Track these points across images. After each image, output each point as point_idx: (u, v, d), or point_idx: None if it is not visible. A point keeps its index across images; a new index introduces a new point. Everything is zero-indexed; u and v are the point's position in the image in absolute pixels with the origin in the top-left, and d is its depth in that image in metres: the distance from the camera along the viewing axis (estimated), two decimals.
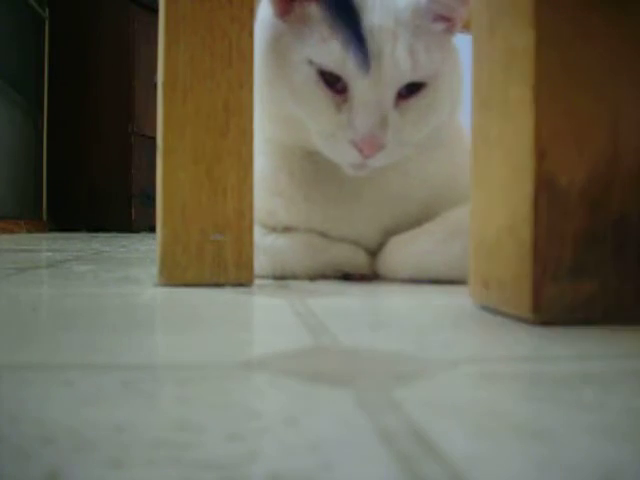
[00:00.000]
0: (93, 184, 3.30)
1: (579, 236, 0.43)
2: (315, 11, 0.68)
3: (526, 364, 0.35)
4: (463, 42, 0.70)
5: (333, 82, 0.67)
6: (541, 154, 0.43)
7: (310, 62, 0.67)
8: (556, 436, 0.22)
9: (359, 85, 0.66)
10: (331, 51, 0.66)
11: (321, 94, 0.68)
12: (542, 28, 0.43)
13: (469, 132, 0.52)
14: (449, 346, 0.38)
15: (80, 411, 0.25)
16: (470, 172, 0.52)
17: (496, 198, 0.48)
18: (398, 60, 0.66)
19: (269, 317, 0.51)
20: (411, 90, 0.69)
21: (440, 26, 0.70)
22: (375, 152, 0.67)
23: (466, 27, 0.66)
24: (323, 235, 0.76)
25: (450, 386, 0.29)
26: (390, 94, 0.67)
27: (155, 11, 1.04)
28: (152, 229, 0.94)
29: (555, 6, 0.43)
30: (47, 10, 3.29)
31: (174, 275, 0.64)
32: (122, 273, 0.81)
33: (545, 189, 0.43)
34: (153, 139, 0.83)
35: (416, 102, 0.69)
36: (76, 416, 0.24)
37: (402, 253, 0.73)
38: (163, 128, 0.65)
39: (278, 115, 0.72)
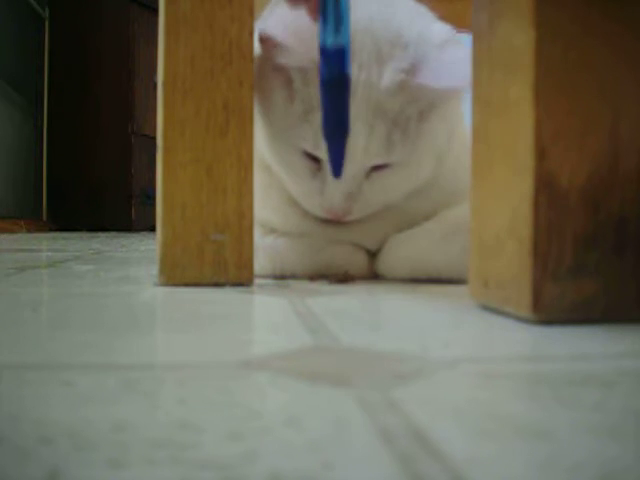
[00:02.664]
0: (93, 184, 3.30)
1: (579, 236, 0.43)
2: (297, 79, 0.67)
3: (526, 364, 0.35)
4: (463, 42, 0.70)
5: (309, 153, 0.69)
6: (541, 154, 0.43)
7: (291, 133, 0.68)
8: (556, 436, 0.22)
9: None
10: (306, 136, 0.67)
11: (299, 162, 0.69)
12: (542, 27, 0.43)
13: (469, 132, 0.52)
14: (449, 346, 0.38)
15: (80, 411, 0.25)
16: (470, 172, 0.52)
17: (496, 198, 0.48)
18: (371, 152, 0.67)
19: (269, 317, 0.51)
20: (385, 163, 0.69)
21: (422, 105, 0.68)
22: (342, 219, 0.71)
23: (466, 27, 0.66)
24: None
25: (450, 386, 0.29)
26: (360, 173, 0.69)
27: (155, 11, 1.04)
28: (152, 229, 0.94)
29: (555, 5, 0.43)
30: (47, 10, 3.29)
31: (174, 275, 0.64)
32: (122, 273, 0.81)
33: (545, 189, 0.43)
34: (153, 139, 0.83)
35: (389, 174, 0.69)
36: (76, 416, 0.24)
37: (401, 252, 0.73)
38: (163, 128, 0.65)
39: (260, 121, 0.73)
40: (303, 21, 0.65)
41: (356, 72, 0.66)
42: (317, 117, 0.66)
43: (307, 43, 0.65)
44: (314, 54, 0.64)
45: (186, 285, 0.64)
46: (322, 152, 0.67)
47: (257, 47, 0.69)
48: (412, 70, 0.66)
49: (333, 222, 0.74)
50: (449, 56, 0.66)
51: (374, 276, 0.75)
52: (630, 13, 0.44)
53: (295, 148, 0.69)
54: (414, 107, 0.67)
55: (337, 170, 0.66)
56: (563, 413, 0.25)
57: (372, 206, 0.71)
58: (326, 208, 0.70)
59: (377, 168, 0.69)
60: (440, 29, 0.70)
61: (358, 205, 0.70)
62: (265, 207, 0.75)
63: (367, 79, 0.66)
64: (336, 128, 0.64)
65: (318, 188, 0.70)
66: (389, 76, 0.66)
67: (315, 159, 0.69)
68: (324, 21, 0.63)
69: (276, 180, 0.75)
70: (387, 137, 0.67)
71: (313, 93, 0.66)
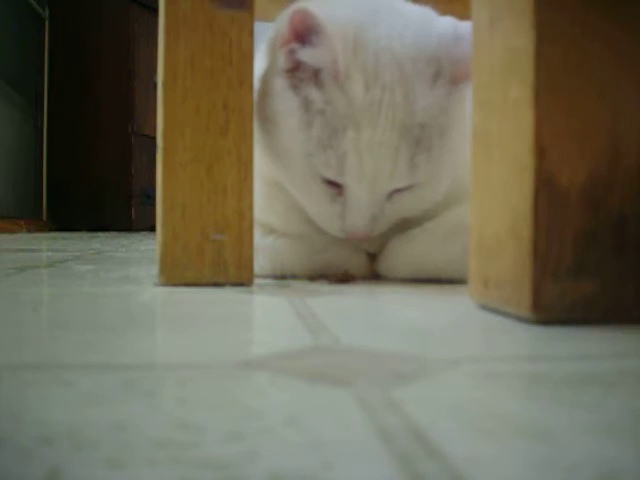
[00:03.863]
0: (93, 184, 3.30)
1: (579, 235, 0.43)
2: (318, 100, 0.66)
3: (526, 364, 0.35)
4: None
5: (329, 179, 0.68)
6: (541, 154, 0.43)
7: (310, 159, 0.67)
8: (556, 436, 0.22)
9: (354, 192, 0.67)
10: (328, 162, 0.66)
11: (317, 186, 0.68)
12: (542, 28, 0.43)
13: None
14: (449, 346, 0.38)
15: (80, 411, 0.25)
16: (470, 172, 0.52)
17: (496, 198, 0.48)
18: (396, 176, 0.66)
19: (269, 317, 0.51)
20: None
21: (444, 100, 0.66)
22: (362, 241, 0.70)
23: None
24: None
25: (450, 386, 0.29)
26: (383, 197, 0.68)
27: (155, 11, 1.04)
28: (152, 229, 0.94)
29: (555, 6, 0.43)
30: (47, 10, 3.29)
31: (174, 275, 0.64)
32: (122, 273, 0.81)
33: (545, 189, 0.43)
34: (153, 139, 0.83)
35: (410, 194, 0.69)
36: (76, 416, 0.24)
37: (402, 252, 0.73)
38: (163, 128, 0.65)
39: (275, 178, 0.73)
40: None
41: (379, 94, 0.65)
42: (341, 141, 0.65)
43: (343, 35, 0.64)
44: (341, 54, 0.63)
45: (186, 285, 0.64)
46: (346, 178, 0.66)
47: (266, 55, 0.69)
48: (439, 74, 0.66)
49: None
50: (466, 44, 0.65)
51: (374, 276, 0.75)
52: (629, 14, 0.44)
53: (314, 176, 0.67)
54: (437, 122, 0.66)
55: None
56: (563, 413, 0.25)
57: (390, 224, 0.71)
58: (349, 232, 0.69)
59: (399, 190, 0.68)
60: (446, 23, 0.69)
61: (378, 227, 0.70)
62: (268, 212, 0.75)
63: (391, 101, 0.65)
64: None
65: (338, 212, 0.69)
66: (423, 94, 0.65)
67: (335, 184, 0.68)
68: None
69: (281, 191, 0.75)
70: (411, 159, 0.66)
71: (338, 112, 0.65)
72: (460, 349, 0.38)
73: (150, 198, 3.22)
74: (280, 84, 0.68)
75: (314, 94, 0.66)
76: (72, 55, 3.32)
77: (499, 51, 0.47)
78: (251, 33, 0.66)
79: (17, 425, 0.23)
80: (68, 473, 0.19)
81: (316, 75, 0.66)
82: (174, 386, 0.29)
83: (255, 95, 0.67)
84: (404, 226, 0.74)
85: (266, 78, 0.70)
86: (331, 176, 0.67)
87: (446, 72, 0.66)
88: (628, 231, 0.44)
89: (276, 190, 0.75)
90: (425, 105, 0.65)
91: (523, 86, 0.44)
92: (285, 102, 0.68)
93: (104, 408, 0.25)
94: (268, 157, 0.71)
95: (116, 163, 3.32)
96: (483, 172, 0.50)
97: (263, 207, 0.74)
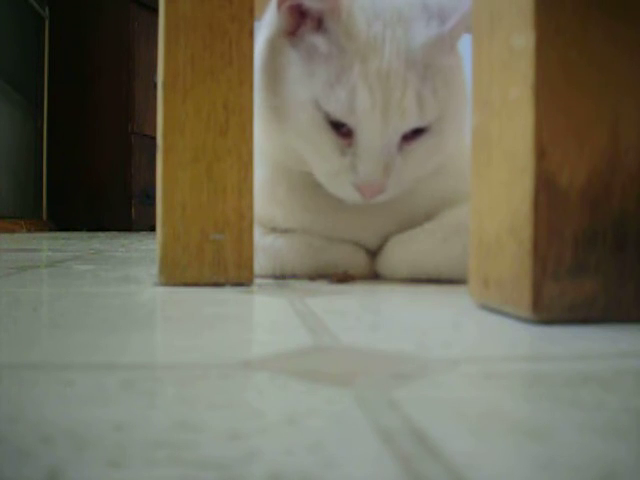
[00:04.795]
0: (93, 184, 3.30)
1: (579, 235, 0.43)
2: (323, 44, 0.66)
3: (526, 363, 0.35)
4: (463, 42, 0.70)
5: (338, 125, 0.67)
6: (541, 154, 0.43)
7: (317, 105, 0.66)
8: (556, 436, 0.22)
9: (365, 133, 0.66)
10: (338, 99, 0.65)
11: (326, 137, 0.67)
12: (542, 27, 0.43)
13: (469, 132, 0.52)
14: (449, 346, 0.38)
15: (80, 411, 0.25)
16: (470, 172, 0.52)
17: (496, 197, 0.48)
18: (406, 109, 0.65)
19: (269, 316, 0.51)
20: (416, 131, 0.68)
21: (452, 59, 0.68)
22: (375, 195, 0.68)
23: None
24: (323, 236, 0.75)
25: (450, 386, 0.29)
26: (395, 140, 0.67)
27: (155, 11, 1.04)
28: (152, 229, 0.94)
29: (555, 6, 0.43)
30: (47, 10, 3.29)
31: (174, 275, 0.64)
32: (122, 272, 0.81)
33: (545, 189, 0.43)
34: (153, 139, 0.84)
35: (420, 144, 0.68)
36: (76, 416, 0.24)
37: (402, 252, 0.73)
38: (163, 127, 0.65)
39: (283, 146, 0.72)
40: None
41: (381, 29, 0.66)
42: (350, 75, 0.65)
43: None
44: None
45: (186, 285, 0.64)
46: (357, 115, 0.65)
47: (272, 15, 0.70)
48: (432, 18, 0.67)
49: (338, 216, 0.73)
50: None
51: (374, 276, 0.75)
52: (630, 14, 0.44)
53: (322, 126, 0.67)
54: (439, 66, 0.67)
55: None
56: (563, 413, 0.25)
57: (404, 183, 0.70)
58: (361, 184, 0.67)
59: (408, 139, 0.68)
60: None
61: (391, 181, 0.68)
62: (270, 202, 0.75)
63: (393, 36, 0.66)
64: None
65: (349, 164, 0.67)
66: (420, 32, 0.66)
67: (344, 135, 0.67)
68: None
69: (282, 175, 0.75)
70: (418, 93, 0.65)
71: (343, 50, 0.65)
72: (460, 349, 0.38)
73: (150, 198, 3.22)
74: (281, 43, 0.69)
75: (319, 40, 0.67)
76: (72, 55, 3.32)
77: (499, 51, 0.47)
78: (251, 33, 0.66)
79: (17, 425, 0.23)
80: (68, 473, 0.19)
81: (319, 23, 0.67)
82: (174, 386, 0.29)
83: (257, 62, 0.68)
84: (404, 224, 0.74)
85: (266, 44, 0.71)
86: (341, 115, 0.65)
87: (440, 19, 0.68)
88: (628, 231, 0.44)
89: (279, 174, 0.75)
90: (424, 43, 0.66)
91: (523, 86, 0.44)
92: (288, 57, 0.68)
93: (104, 408, 0.25)
94: (273, 121, 0.70)
95: (116, 163, 3.32)
96: (483, 172, 0.50)
97: (264, 196, 0.74)
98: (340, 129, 0.67)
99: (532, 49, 0.43)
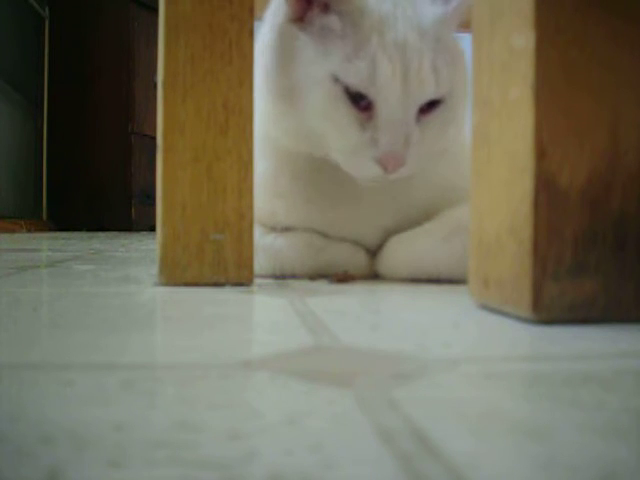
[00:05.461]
0: (93, 184, 3.30)
1: (579, 235, 0.43)
2: (336, 24, 0.67)
3: (526, 363, 0.35)
4: (463, 42, 0.70)
5: (357, 99, 0.67)
6: (541, 154, 0.43)
7: (335, 79, 0.66)
8: (556, 435, 0.22)
9: (385, 104, 0.66)
10: (358, 70, 0.65)
11: (345, 112, 0.67)
12: (542, 28, 0.43)
13: (469, 132, 0.52)
14: (449, 346, 0.38)
15: (80, 411, 0.25)
16: (470, 172, 0.52)
17: (496, 197, 0.48)
18: (424, 78, 0.66)
19: (269, 316, 0.51)
20: (431, 105, 0.68)
21: (450, 36, 0.70)
22: (397, 168, 0.67)
23: (466, 27, 0.66)
24: (323, 235, 0.76)
25: (450, 385, 0.29)
26: (413, 111, 0.67)
27: (155, 11, 1.04)
28: (152, 229, 0.94)
29: (555, 5, 0.43)
30: (47, 10, 3.29)
31: (174, 275, 0.64)
32: (122, 272, 0.81)
33: (545, 189, 0.43)
34: (153, 139, 0.84)
35: (435, 117, 0.69)
36: (76, 416, 0.24)
37: (402, 252, 0.73)
38: (163, 127, 0.65)
39: (296, 130, 0.71)
40: None
41: (392, 7, 0.67)
42: (368, 48, 0.65)
43: None
44: None
45: (186, 285, 0.64)
46: (378, 85, 0.65)
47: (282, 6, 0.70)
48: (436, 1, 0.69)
49: (339, 209, 0.74)
50: None
51: (374, 276, 0.75)
52: (630, 14, 0.44)
53: (341, 100, 0.67)
54: (447, 44, 0.68)
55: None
56: (563, 413, 0.25)
57: (422, 157, 0.69)
58: (383, 156, 0.66)
59: (424, 112, 0.68)
60: None
61: (411, 154, 0.67)
62: (272, 195, 0.75)
63: (404, 13, 0.67)
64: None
65: (369, 138, 0.67)
66: (428, 9, 0.68)
67: (363, 109, 0.67)
68: None
69: (285, 164, 0.75)
70: (433, 62, 0.66)
71: (359, 26, 0.66)
72: (460, 349, 0.38)
73: (150, 198, 3.22)
74: (289, 29, 0.70)
75: (331, 20, 0.67)
76: (72, 55, 3.32)
77: (499, 51, 0.47)
78: (251, 33, 0.66)
79: (17, 425, 0.23)
80: (68, 473, 0.19)
81: (326, 7, 0.68)
82: (174, 386, 0.29)
83: (263, 47, 0.69)
84: (403, 221, 0.74)
85: (273, 30, 0.71)
86: (362, 86, 0.66)
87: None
88: (628, 231, 0.44)
89: (282, 164, 0.75)
90: (433, 19, 0.68)
91: (523, 86, 0.44)
92: (298, 41, 0.69)
93: (104, 408, 0.25)
94: (286, 103, 0.70)
95: (116, 163, 3.32)
96: (483, 172, 0.50)
97: (266, 189, 0.74)
98: (359, 103, 0.67)
99: (532, 49, 0.43)
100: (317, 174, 0.74)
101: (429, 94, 0.67)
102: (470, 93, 0.72)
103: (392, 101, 0.66)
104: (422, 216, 0.74)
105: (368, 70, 0.65)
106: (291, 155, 0.75)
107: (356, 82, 0.66)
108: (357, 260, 0.75)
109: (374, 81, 0.65)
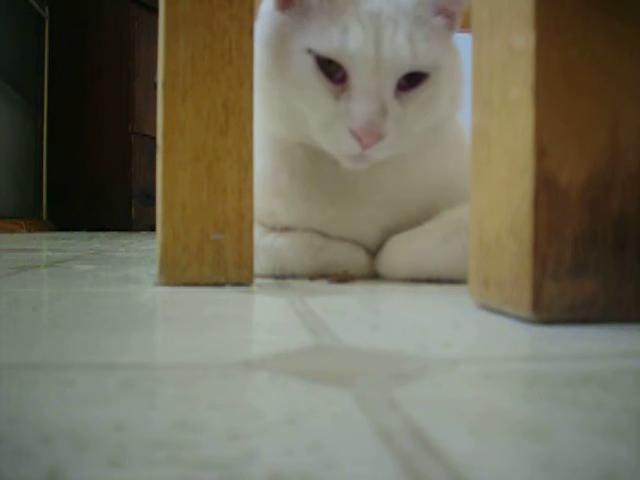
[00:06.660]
0: (93, 184, 3.30)
1: (579, 235, 0.43)
2: (315, 2, 0.68)
3: (526, 363, 0.35)
4: (463, 42, 0.70)
5: (332, 72, 0.67)
6: (541, 154, 0.43)
7: (309, 51, 0.67)
8: (556, 435, 0.22)
9: (358, 72, 0.66)
10: (330, 38, 0.66)
11: (319, 83, 0.67)
12: (542, 27, 0.43)
13: (469, 132, 0.52)
14: (449, 345, 0.38)
15: (80, 411, 0.25)
16: (470, 172, 0.52)
17: (496, 197, 0.48)
18: (397, 47, 0.66)
19: (269, 316, 0.51)
20: (412, 82, 0.68)
21: (441, 21, 0.70)
22: (374, 141, 0.66)
23: (466, 27, 0.66)
24: (323, 234, 0.76)
25: (450, 385, 0.29)
26: (390, 82, 0.67)
27: (155, 11, 1.04)
28: (152, 229, 0.94)
29: (555, 6, 0.43)
30: (47, 10, 3.29)
31: (174, 275, 0.64)
32: (122, 272, 0.81)
33: (545, 188, 0.43)
34: (153, 139, 0.84)
35: (417, 94, 0.69)
36: (76, 416, 0.24)
37: (402, 252, 0.73)
38: (163, 127, 0.65)
39: (278, 108, 0.72)
40: None
41: None
42: (343, 17, 0.66)
43: None
44: None
45: (186, 285, 0.64)
46: (348, 56, 0.66)
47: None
48: None
49: (338, 206, 0.74)
50: None
51: (374, 276, 0.75)
52: (630, 14, 0.44)
53: (315, 73, 0.67)
54: (430, 19, 0.69)
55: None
56: (563, 413, 0.25)
57: (404, 134, 0.69)
58: (357, 127, 0.65)
59: (406, 89, 0.68)
60: None
61: (390, 127, 0.67)
62: (271, 193, 0.75)
63: None
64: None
65: (344, 110, 0.67)
66: None
67: (338, 81, 0.67)
68: None
69: (288, 162, 0.75)
70: (411, 35, 0.67)
71: (337, 1, 0.67)
72: (460, 349, 0.38)
73: (150, 198, 3.22)
74: (276, 15, 0.71)
75: (313, 1, 0.68)
76: (72, 55, 3.32)
77: (499, 51, 0.47)
78: (251, 33, 0.66)
79: (17, 425, 0.23)
80: (68, 473, 0.19)
81: None
82: (174, 386, 0.29)
83: (258, 33, 0.70)
84: (404, 226, 0.74)
85: (263, 17, 0.73)
86: (333, 53, 0.66)
87: None
88: (628, 231, 0.44)
89: (280, 160, 0.75)
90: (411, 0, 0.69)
91: (523, 86, 0.44)
92: (282, 20, 0.70)
93: (104, 408, 0.25)
94: (271, 78, 0.70)
95: (116, 163, 3.32)
96: (483, 172, 0.50)
97: (266, 187, 0.75)
98: (333, 76, 0.67)
99: (532, 49, 0.43)
100: (315, 172, 0.74)
101: (405, 65, 0.67)
102: (461, 79, 0.73)
103: (364, 68, 0.66)
104: (422, 216, 0.75)
105: (340, 38, 0.66)
106: (289, 151, 0.75)
107: (328, 50, 0.66)
108: (357, 260, 0.75)
109: (346, 47, 0.66)
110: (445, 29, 0.71)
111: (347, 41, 0.65)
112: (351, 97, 0.66)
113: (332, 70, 0.67)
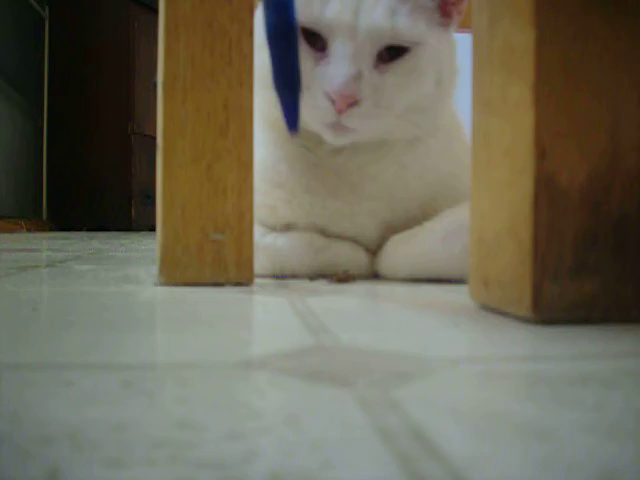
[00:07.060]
0: (93, 184, 3.30)
1: (579, 235, 0.43)
2: None
3: (526, 363, 0.35)
4: (463, 42, 0.70)
5: (314, 41, 0.69)
6: (541, 154, 0.43)
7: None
8: (556, 436, 0.22)
9: (336, 39, 0.68)
10: (311, 7, 0.68)
11: (303, 51, 0.68)
12: (542, 27, 0.43)
13: (469, 131, 0.52)
14: (449, 345, 0.38)
15: (80, 410, 0.25)
16: (470, 172, 0.52)
17: (496, 198, 0.48)
18: (376, 18, 0.68)
19: (269, 316, 0.51)
20: (393, 55, 0.70)
21: (431, 3, 0.71)
22: (348, 106, 0.67)
23: (466, 27, 0.66)
24: (323, 230, 0.76)
25: (450, 385, 0.29)
26: (368, 52, 0.68)
27: (155, 11, 1.04)
28: (152, 229, 0.95)
29: (555, 6, 0.43)
30: (47, 10, 3.29)
31: (174, 274, 0.64)
32: (122, 272, 0.81)
33: (545, 189, 0.43)
34: (153, 139, 0.84)
35: (397, 66, 0.70)
36: (76, 415, 0.24)
37: (402, 252, 0.73)
38: (163, 127, 0.65)
39: (267, 81, 0.72)
40: None
41: None
42: None
43: None
44: None
45: (186, 285, 0.64)
46: (327, 23, 0.68)
47: None
48: None
49: (337, 201, 0.74)
50: None
51: (374, 276, 0.75)
52: (630, 14, 0.44)
53: (299, 40, 0.67)
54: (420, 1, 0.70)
55: (292, 124, 0.62)
56: (563, 413, 0.25)
57: (380, 104, 0.70)
58: (332, 90, 0.66)
59: (386, 61, 0.69)
60: None
61: (367, 95, 0.68)
62: (272, 185, 0.75)
63: None
64: (288, 81, 0.62)
65: (321, 73, 0.68)
66: None
67: (320, 49, 0.69)
68: None
69: (287, 152, 0.76)
70: (391, 8, 0.68)
71: None
72: (460, 349, 0.38)
73: (150, 198, 3.22)
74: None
75: None
76: (72, 55, 3.32)
77: (499, 51, 0.47)
78: (251, 33, 0.66)
79: (17, 425, 0.23)
80: (68, 473, 0.19)
81: None
82: (174, 386, 0.29)
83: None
84: (403, 221, 0.75)
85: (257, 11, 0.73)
86: (313, 21, 0.68)
87: None
88: (628, 231, 0.44)
89: (278, 149, 0.76)
90: None
91: (523, 86, 0.44)
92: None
93: (104, 408, 0.25)
94: (260, 49, 0.70)
95: (116, 163, 3.32)
96: (483, 172, 0.50)
97: (267, 178, 0.75)
98: (315, 45, 0.69)
99: (532, 48, 0.43)
100: (314, 163, 0.75)
101: (384, 37, 0.68)
102: (453, 66, 0.73)
103: (341, 36, 0.68)
104: (421, 212, 0.75)
105: (320, 7, 0.68)
106: (286, 142, 0.75)
107: (309, 20, 0.68)
108: (357, 260, 0.75)
109: (324, 16, 0.68)
110: (435, 12, 0.72)
111: (325, 10, 0.68)
112: (329, 62, 0.68)
113: (314, 40, 0.69)
